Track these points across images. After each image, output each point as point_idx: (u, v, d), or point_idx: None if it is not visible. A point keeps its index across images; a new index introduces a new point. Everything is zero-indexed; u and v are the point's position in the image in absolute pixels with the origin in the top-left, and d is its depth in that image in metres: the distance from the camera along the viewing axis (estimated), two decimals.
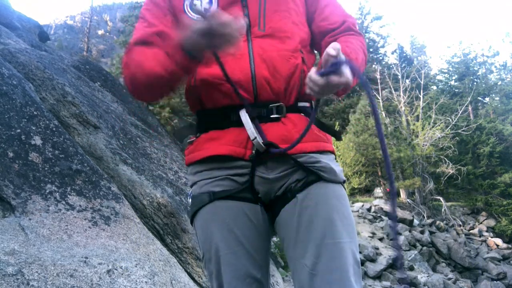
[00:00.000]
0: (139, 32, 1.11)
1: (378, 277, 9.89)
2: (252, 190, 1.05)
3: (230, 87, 1.00)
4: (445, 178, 19.40)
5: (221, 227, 1.03)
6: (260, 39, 1.05)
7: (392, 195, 0.80)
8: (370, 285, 9.21)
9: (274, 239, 4.87)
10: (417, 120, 20.30)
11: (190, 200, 1.15)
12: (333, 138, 1.18)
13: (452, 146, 19.01)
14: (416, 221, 15.38)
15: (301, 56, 1.07)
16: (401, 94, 21.29)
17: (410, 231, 13.94)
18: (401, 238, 13.00)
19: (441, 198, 18.40)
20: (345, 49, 0.99)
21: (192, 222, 1.12)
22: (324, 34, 1.16)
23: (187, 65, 0.92)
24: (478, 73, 29.94)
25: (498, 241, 15.84)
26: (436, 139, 19.11)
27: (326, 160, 1.07)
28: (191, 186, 1.13)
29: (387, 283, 9.56)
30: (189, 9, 1.09)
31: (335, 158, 1.15)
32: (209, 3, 1.08)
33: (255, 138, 0.98)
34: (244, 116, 1.01)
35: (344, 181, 1.10)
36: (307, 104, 1.12)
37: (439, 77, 32.16)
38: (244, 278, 1.00)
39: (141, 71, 0.97)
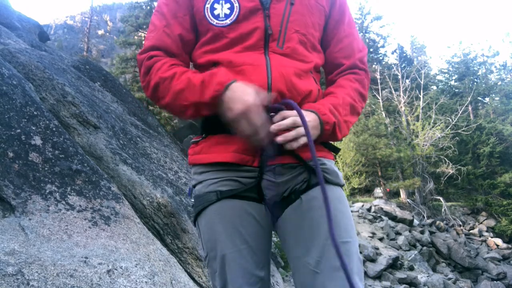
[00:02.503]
0: (159, 33, 1.10)
1: (378, 277, 9.88)
2: (258, 190, 1.06)
3: None
4: (445, 178, 19.41)
5: (227, 226, 1.03)
6: (278, 56, 1.05)
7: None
8: (370, 285, 9.21)
9: (274, 239, 4.87)
10: (417, 120, 20.31)
11: (190, 197, 1.16)
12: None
13: (452, 146, 19.02)
14: (416, 221, 15.39)
15: (312, 77, 1.10)
16: (401, 94, 21.30)
17: (410, 231, 13.95)
18: (401, 238, 13.02)
19: (441, 198, 18.41)
20: (328, 106, 1.04)
21: (195, 221, 1.12)
22: (333, 67, 1.20)
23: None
24: (478, 73, 29.99)
25: (498, 241, 15.85)
26: (436, 139, 19.12)
27: (330, 163, 1.11)
28: (195, 186, 1.13)
29: (387, 283, 9.56)
30: (209, 13, 1.08)
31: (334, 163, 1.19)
32: (230, 8, 1.06)
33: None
34: None
35: (343, 185, 1.14)
36: None
37: (439, 77, 32.21)
38: (249, 277, 1.01)
39: (173, 98, 1.03)
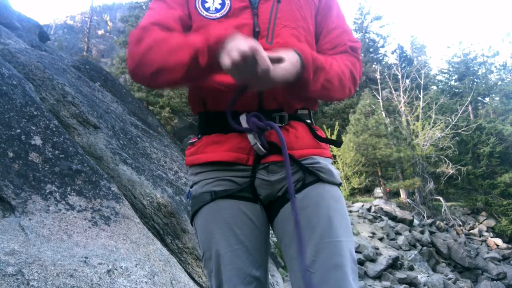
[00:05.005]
0: (159, 13, 1.08)
1: (378, 277, 9.88)
2: (252, 190, 1.06)
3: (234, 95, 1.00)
4: (445, 178, 19.41)
5: (222, 226, 1.04)
6: (267, 52, 1.05)
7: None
8: (370, 285, 9.20)
9: (274, 239, 4.87)
10: (417, 120, 20.31)
11: (189, 200, 1.17)
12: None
13: (452, 146, 19.02)
14: (416, 221, 15.38)
15: None
16: (401, 94, 21.30)
17: (410, 231, 13.94)
18: (401, 238, 13.02)
19: (441, 198, 18.40)
20: (320, 58, 1.00)
21: (192, 221, 1.13)
22: (323, 53, 1.17)
23: (207, 72, 0.93)
24: (478, 73, 30.00)
25: (498, 241, 15.84)
26: (436, 139, 19.12)
27: (325, 162, 1.11)
28: (191, 187, 1.14)
29: (387, 283, 9.55)
30: (200, 6, 1.09)
31: (332, 162, 1.18)
32: (221, 4, 1.08)
33: (255, 143, 0.99)
34: (244, 122, 1.02)
35: (340, 184, 1.14)
36: (305, 112, 1.14)
37: (439, 77, 32.22)
38: (244, 277, 1.01)
39: (166, 53, 0.93)
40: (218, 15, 1.07)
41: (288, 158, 0.92)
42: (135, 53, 0.99)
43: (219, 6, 1.07)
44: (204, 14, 1.08)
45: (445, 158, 19.04)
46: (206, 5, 1.08)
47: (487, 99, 29.80)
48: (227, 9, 1.07)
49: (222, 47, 0.85)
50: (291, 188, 0.90)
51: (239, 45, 0.81)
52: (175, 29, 1.04)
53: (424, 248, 13.08)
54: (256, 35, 1.06)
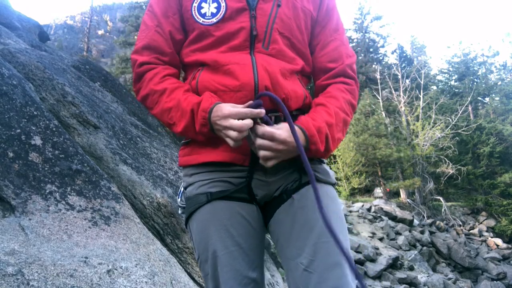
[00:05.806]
0: (151, 33, 1.11)
1: (378, 277, 9.88)
2: (248, 190, 1.06)
3: (233, 95, 1.00)
4: (445, 178, 19.42)
5: (219, 228, 1.03)
6: (264, 55, 1.05)
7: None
8: (370, 285, 9.20)
9: None
10: (417, 120, 20.32)
11: (179, 200, 1.17)
12: None
13: (452, 146, 19.03)
14: (416, 221, 15.40)
15: (298, 78, 1.11)
16: (401, 94, 21.30)
17: (410, 231, 13.95)
18: (401, 238, 13.02)
19: (441, 198, 18.41)
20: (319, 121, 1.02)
21: (187, 223, 1.12)
22: (320, 72, 1.17)
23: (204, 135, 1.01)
24: (478, 73, 30.03)
25: (498, 241, 15.85)
26: (436, 139, 19.13)
27: (320, 162, 1.12)
28: (186, 188, 1.13)
29: (387, 283, 9.55)
30: (196, 13, 1.08)
31: (331, 163, 1.19)
32: (217, 8, 1.07)
33: (253, 143, 0.98)
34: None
35: (335, 184, 1.14)
36: (301, 114, 1.13)
37: (439, 77, 32.25)
38: (241, 279, 1.00)
39: (160, 112, 1.07)
40: (214, 20, 1.06)
41: (299, 140, 0.92)
42: (136, 92, 1.12)
43: (215, 10, 1.07)
44: (200, 21, 1.07)
45: (445, 158, 19.05)
46: (202, 11, 1.08)
47: (487, 99, 29.82)
48: (223, 12, 1.06)
49: (209, 122, 0.97)
50: (309, 170, 0.90)
51: (221, 119, 0.94)
52: (169, 54, 1.12)
53: (424, 248, 13.09)
54: (253, 38, 1.05)
